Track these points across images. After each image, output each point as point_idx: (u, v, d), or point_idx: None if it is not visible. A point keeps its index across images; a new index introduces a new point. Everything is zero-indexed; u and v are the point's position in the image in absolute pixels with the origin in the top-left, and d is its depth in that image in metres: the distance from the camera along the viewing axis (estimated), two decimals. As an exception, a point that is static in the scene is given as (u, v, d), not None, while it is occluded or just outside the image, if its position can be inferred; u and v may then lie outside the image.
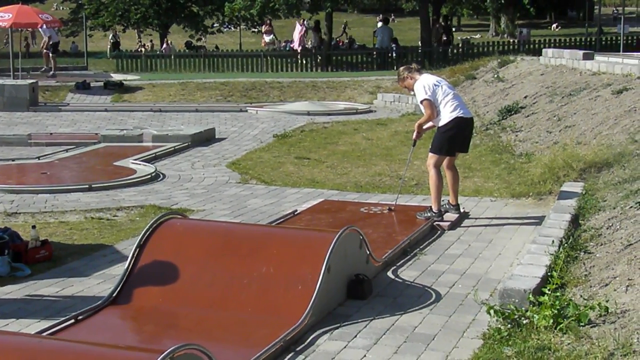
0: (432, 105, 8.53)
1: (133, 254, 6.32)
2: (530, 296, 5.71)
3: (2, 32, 27.02)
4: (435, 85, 8.59)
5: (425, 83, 8.58)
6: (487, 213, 9.24)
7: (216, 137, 15.64)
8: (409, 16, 53.79)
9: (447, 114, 8.54)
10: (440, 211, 8.70)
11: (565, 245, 6.90)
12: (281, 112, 19.46)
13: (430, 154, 8.71)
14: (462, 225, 8.76)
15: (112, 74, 27.05)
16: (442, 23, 33.64)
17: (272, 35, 38.10)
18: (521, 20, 56.54)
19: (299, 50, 30.14)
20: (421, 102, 8.62)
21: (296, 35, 30.66)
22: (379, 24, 33.11)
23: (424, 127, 8.89)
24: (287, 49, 33.57)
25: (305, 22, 31.67)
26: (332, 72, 28.56)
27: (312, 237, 6.75)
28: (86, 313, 5.91)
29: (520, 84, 16.63)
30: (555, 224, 7.66)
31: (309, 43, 32.04)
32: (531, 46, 31.45)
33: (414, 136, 9.04)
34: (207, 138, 15.29)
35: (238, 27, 42.64)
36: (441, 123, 8.61)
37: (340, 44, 40.62)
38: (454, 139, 8.63)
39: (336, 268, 6.09)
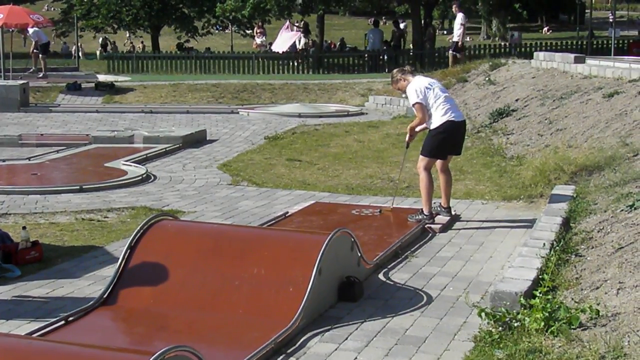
0: (424, 108, 8.54)
1: (124, 256, 6.30)
2: (522, 299, 5.71)
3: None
4: (427, 88, 8.59)
5: (417, 86, 8.57)
6: (479, 216, 9.25)
7: (207, 138, 15.63)
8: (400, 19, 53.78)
9: (438, 117, 8.54)
10: (432, 214, 8.70)
11: (557, 248, 6.90)
12: (272, 114, 19.47)
13: (421, 157, 8.71)
14: (453, 227, 8.76)
15: (97, 75, 26.98)
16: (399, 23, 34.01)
17: (263, 37, 38.08)
18: (512, 23, 56.72)
19: (297, 51, 29.97)
20: (413, 105, 8.64)
21: (285, 37, 30.51)
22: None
23: (417, 129, 8.91)
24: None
25: (292, 24, 31.62)
26: (324, 74, 28.58)
27: (303, 239, 6.75)
28: (77, 314, 5.89)
29: (512, 87, 16.66)
30: (547, 226, 7.67)
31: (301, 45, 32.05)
32: (522, 49, 31.53)
33: (406, 139, 9.06)
34: (198, 139, 15.27)
35: (228, 29, 42.58)
36: (432, 126, 8.61)
37: (332, 46, 40.69)
38: (445, 142, 8.63)
39: (327, 270, 6.09)
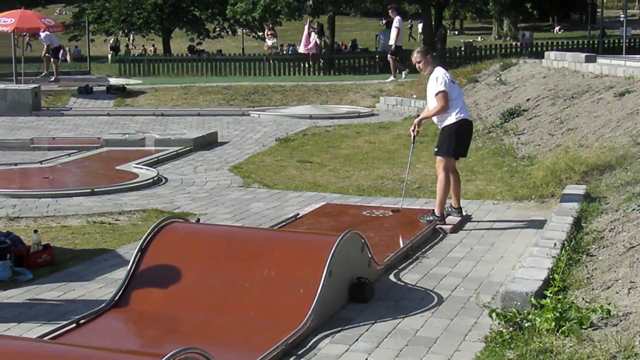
0: (447, 98, 8.46)
1: (135, 258, 6.32)
2: (532, 299, 5.70)
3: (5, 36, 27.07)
4: (452, 81, 8.57)
5: (445, 75, 8.51)
6: (490, 216, 9.23)
7: (218, 141, 15.65)
8: (412, 19, 53.79)
9: (454, 114, 8.49)
10: (443, 215, 8.68)
11: (568, 248, 6.89)
12: (283, 115, 19.47)
13: (439, 157, 8.61)
14: (464, 228, 8.74)
15: (109, 78, 27.08)
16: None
17: (274, 39, 38.15)
18: (524, 23, 56.59)
19: (312, 53, 29.99)
20: (437, 93, 8.47)
21: (305, 39, 30.54)
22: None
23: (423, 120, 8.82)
24: (290, 52, 33.58)
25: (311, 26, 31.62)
26: (335, 75, 28.57)
27: (313, 240, 6.75)
28: (88, 317, 5.91)
29: (523, 87, 16.61)
30: (558, 226, 7.65)
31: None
32: (533, 49, 31.45)
33: (413, 132, 8.90)
34: (209, 142, 15.30)
35: (239, 32, 42.66)
36: (447, 123, 8.51)
37: (343, 47, 40.70)
38: (462, 139, 8.59)
39: (338, 271, 6.09)
